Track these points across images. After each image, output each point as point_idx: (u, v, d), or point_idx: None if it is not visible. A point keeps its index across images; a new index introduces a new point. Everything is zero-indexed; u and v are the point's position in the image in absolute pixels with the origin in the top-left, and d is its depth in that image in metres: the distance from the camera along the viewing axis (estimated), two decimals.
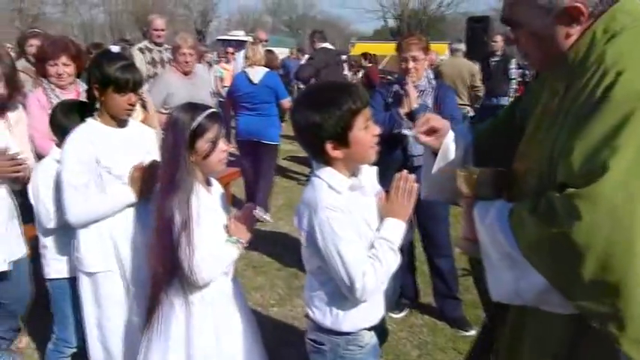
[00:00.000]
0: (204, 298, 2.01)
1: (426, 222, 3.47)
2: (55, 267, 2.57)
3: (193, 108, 2.01)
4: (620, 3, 1.32)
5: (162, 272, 1.96)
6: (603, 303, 1.18)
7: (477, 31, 11.33)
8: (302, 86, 8.10)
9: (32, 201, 2.52)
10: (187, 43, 4.86)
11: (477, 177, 1.47)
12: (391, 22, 42.34)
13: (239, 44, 18.86)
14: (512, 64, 7.87)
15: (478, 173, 1.47)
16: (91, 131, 2.30)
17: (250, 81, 5.49)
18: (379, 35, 41.63)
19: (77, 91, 3.49)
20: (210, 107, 2.06)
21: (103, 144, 2.28)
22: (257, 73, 5.49)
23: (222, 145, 2.02)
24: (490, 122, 1.86)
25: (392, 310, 3.77)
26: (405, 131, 3.25)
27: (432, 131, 1.67)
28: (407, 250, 3.69)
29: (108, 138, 2.31)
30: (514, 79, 7.87)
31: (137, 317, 2.32)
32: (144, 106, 3.98)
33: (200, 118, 1.95)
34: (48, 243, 2.56)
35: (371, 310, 1.78)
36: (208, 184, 2.11)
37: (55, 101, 3.32)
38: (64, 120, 2.50)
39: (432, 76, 3.45)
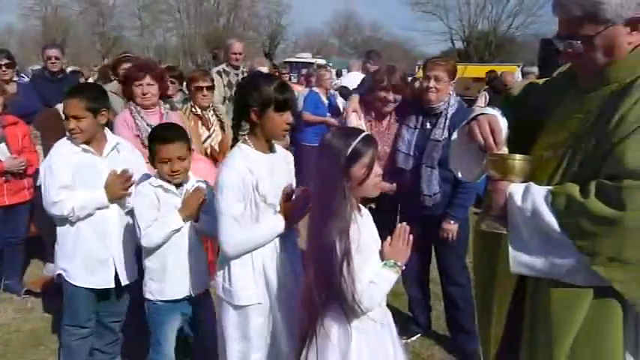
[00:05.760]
0: (358, 327, 1.91)
1: (441, 249, 3.42)
2: (150, 288, 2.59)
3: (347, 133, 1.93)
4: None
5: (320, 301, 1.87)
6: None
7: (550, 53, 11.02)
8: None
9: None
10: (265, 67, 5.02)
11: (509, 162, 1.61)
12: (459, 44, 41.97)
13: (305, 66, 19.34)
14: None
15: (509, 159, 1.62)
16: (246, 158, 2.19)
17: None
18: (446, 57, 41.20)
19: (160, 113, 3.59)
20: (364, 131, 1.97)
21: (258, 170, 2.17)
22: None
23: (377, 169, 1.91)
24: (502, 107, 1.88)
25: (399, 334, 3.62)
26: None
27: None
28: (418, 277, 3.60)
29: (261, 164, 2.20)
30: None
31: (286, 347, 2.23)
32: (222, 128, 4.10)
33: (355, 143, 1.85)
34: (146, 263, 2.60)
35: None
36: (358, 208, 1.98)
37: (140, 122, 3.46)
38: None
39: (452, 101, 3.27)
